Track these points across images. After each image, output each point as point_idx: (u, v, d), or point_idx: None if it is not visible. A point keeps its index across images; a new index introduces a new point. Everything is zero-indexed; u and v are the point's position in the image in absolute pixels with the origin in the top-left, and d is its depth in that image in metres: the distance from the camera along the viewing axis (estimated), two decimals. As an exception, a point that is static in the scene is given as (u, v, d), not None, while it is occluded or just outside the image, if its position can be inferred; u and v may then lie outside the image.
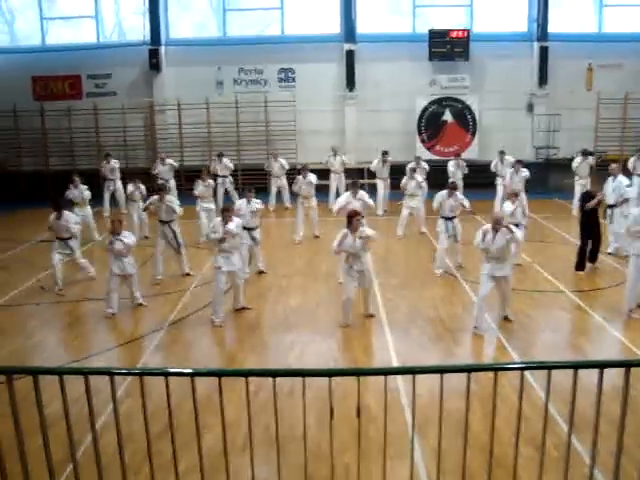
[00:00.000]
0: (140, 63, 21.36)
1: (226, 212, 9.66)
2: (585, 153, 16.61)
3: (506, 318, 9.32)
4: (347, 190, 13.26)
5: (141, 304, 10.37)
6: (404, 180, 15.01)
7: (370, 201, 12.21)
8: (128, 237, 10.02)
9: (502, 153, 17.10)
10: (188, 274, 12.06)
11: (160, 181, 16.74)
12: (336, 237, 9.23)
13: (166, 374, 3.74)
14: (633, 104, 20.46)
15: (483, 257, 9.03)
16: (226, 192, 18.28)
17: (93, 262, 12.34)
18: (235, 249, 9.73)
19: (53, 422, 4.20)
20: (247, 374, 3.83)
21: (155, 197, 11.90)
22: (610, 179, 12.74)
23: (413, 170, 15.31)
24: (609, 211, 12.58)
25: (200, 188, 14.75)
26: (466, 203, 11.94)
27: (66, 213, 11.51)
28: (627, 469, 4.31)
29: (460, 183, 16.42)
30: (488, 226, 8.94)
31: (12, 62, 21.68)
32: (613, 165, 13.09)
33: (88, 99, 21.91)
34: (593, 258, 11.79)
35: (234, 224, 9.55)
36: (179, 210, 11.86)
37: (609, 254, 12.64)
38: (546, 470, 3.96)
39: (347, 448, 5.57)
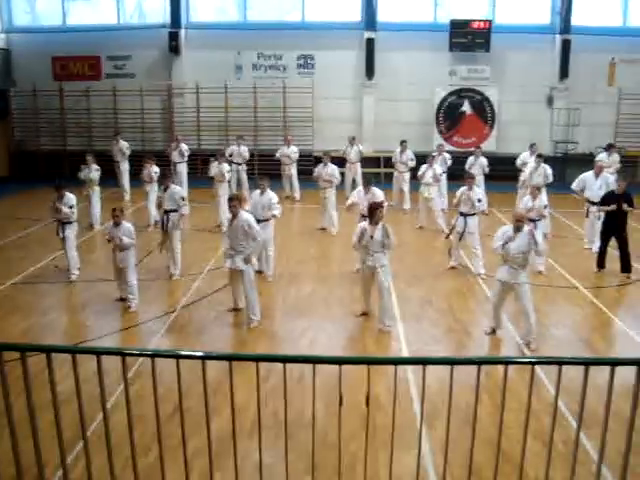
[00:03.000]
0: (160, 46, 21.37)
1: (230, 202, 9.07)
2: (610, 147, 16.18)
3: (527, 345, 8.22)
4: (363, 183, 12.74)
5: (128, 303, 9.64)
6: (422, 168, 14.76)
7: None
8: (127, 234, 9.46)
9: (533, 146, 16.10)
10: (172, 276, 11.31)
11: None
12: (355, 231, 8.91)
13: (177, 356, 3.76)
14: (656, 100, 20.20)
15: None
16: (238, 181, 18.06)
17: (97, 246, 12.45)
18: (240, 248, 8.92)
19: (65, 400, 4.25)
20: (258, 359, 3.85)
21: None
22: (590, 174, 12.74)
23: (432, 158, 15.04)
24: (593, 208, 12.35)
25: (215, 170, 14.72)
26: (481, 205, 11.29)
27: (67, 194, 10.99)
28: (636, 468, 4.30)
29: (477, 179, 15.75)
30: (507, 227, 8.36)
31: (33, 42, 21.79)
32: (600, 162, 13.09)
33: (107, 80, 21.99)
34: (626, 267, 11.13)
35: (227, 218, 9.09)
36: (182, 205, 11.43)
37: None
38: (553, 466, 3.96)
39: (355, 436, 5.59)
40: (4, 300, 10.04)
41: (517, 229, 8.13)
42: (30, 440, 3.73)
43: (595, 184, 12.52)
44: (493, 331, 8.66)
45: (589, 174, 12.80)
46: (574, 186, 12.96)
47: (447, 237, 12.16)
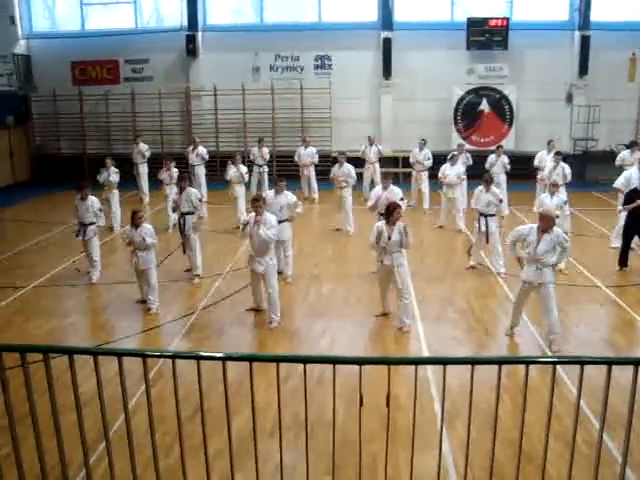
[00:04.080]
0: (177, 49, 21.50)
1: (256, 202, 8.96)
2: (633, 145, 15.90)
3: (550, 344, 8.11)
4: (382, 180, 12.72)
5: (149, 305, 9.68)
6: (443, 168, 14.63)
7: (398, 200, 10.60)
8: (149, 235, 9.45)
9: (550, 142, 16.08)
10: (189, 270, 11.42)
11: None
12: (372, 231, 8.79)
13: (198, 358, 3.77)
14: (677, 96, 19.94)
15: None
16: (259, 183, 18.01)
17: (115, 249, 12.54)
18: (261, 248, 8.90)
19: (87, 401, 4.29)
20: (278, 360, 3.85)
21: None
22: (635, 172, 12.41)
23: (452, 158, 14.95)
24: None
25: (231, 172, 14.77)
26: (503, 207, 11.19)
27: (90, 197, 11.15)
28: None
29: (498, 178, 15.43)
30: (527, 227, 8.18)
31: (52, 47, 22.05)
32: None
33: (125, 84, 22.18)
34: None
35: (268, 226, 8.81)
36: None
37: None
38: (576, 467, 3.91)
39: (375, 437, 5.57)
40: (27, 303, 10.16)
41: (544, 230, 7.87)
42: (54, 440, 3.77)
43: (634, 179, 12.11)
44: (512, 329, 8.57)
45: (634, 171, 12.43)
46: (618, 185, 12.51)
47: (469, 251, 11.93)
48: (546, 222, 7.89)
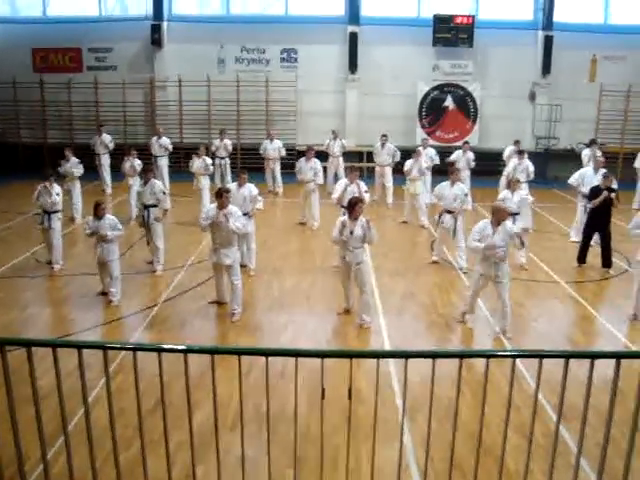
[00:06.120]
0: (142, 38, 21.17)
1: (219, 198, 8.87)
2: (592, 143, 16.24)
3: (504, 334, 8.36)
4: (346, 175, 12.70)
5: (110, 297, 9.55)
6: (408, 163, 14.76)
7: (364, 192, 11.16)
8: (113, 226, 9.41)
9: (517, 143, 16.61)
10: (151, 262, 11.31)
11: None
12: (335, 225, 8.70)
13: (159, 350, 3.74)
14: (635, 97, 20.38)
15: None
16: (222, 175, 17.91)
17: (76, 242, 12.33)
18: (228, 240, 8.93)
19: (46, 394, 4.23)
20: (240, 352, 3.84)
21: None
22: (589, 170, 12.81)
23: (417, 153, 15.03)
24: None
25: (196, 164, 14.66)
26: (469, 201, 11.33)
27: (55, 185, 11.09)
28: (613, 460, 4.35)
29: (462, 174, 15.35)
30: (482, 223, 8.36)
31: (12, 33, 21.49)
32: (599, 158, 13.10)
33: (88, 72, 21.74)
34: (607, 262, 11.35)
35: (235, 218, 8.83)
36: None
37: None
38: (533, 458, 4.00)
39: (337, 430, 5.60)
40: (-17, 294, 9.93)
41: (497, 223, 8.17)
42: (10, 434, 3.70)
43: (595, 179, 12.31)
44: (463, 316, 8.78)
45: (588, 169, 12.81)
46: (572, 181, 12.87)
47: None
48: (498, 215, 8.21)
